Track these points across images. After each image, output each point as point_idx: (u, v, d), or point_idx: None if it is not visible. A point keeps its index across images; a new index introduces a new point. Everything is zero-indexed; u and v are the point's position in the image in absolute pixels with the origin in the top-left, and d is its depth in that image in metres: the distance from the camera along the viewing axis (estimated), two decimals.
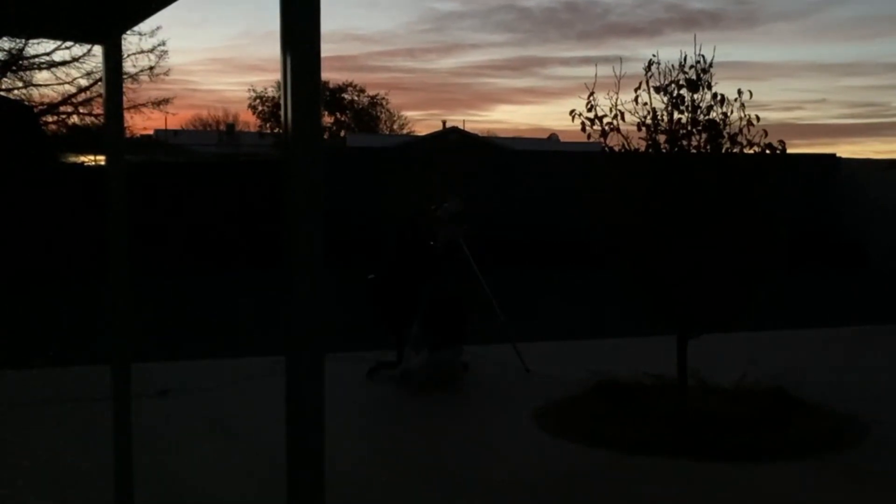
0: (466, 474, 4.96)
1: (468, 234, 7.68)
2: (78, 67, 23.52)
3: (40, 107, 23.66)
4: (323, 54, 1.47)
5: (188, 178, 16.48)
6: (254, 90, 46.52)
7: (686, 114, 5.81)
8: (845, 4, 70.68)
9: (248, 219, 15.54)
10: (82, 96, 23.99)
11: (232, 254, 15.20)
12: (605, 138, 6.01)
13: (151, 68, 24.03)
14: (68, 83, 23.70)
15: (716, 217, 5.69)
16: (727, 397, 5.92)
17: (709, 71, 5.80)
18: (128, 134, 24.47)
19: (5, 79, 22.92)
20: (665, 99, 5.85)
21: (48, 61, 23.02)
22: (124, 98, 3.69)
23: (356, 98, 47.05)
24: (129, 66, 22.76)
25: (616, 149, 6.02)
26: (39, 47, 22.49)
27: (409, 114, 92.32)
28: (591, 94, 5.97)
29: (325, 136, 40.41)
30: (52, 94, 23.92)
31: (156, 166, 19.22)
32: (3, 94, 22.26)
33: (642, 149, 5.94)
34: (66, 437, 5.52)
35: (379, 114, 48.45)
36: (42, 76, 33.12)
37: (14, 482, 4.75)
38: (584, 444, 5.42)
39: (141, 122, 60.42)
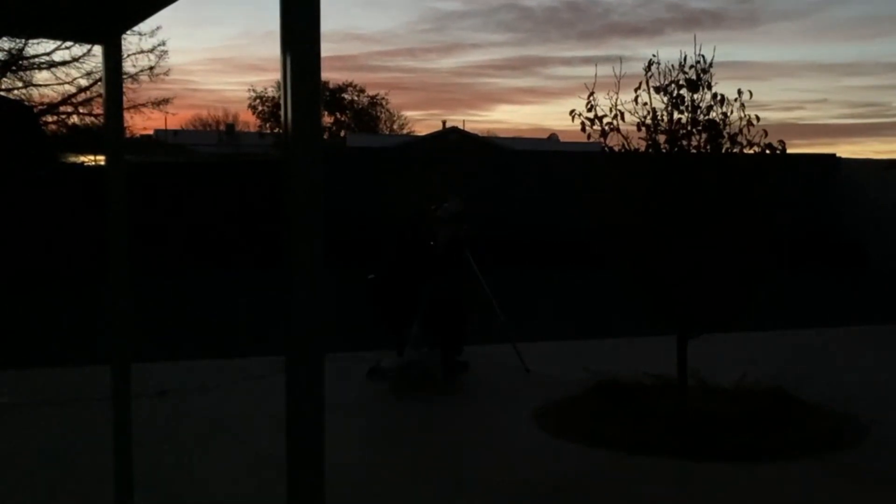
0: (466, 474, 4.96)
1: (468, 234, 7.68)
2: (78, 67, 23.57)
3: (40, 107, 23.68)
4: (323, 54, 1.46)
5: (188, 178, 16.49)
6: (254, 90, 46.62)
7: (686, 114, 5.81)
8: (846, 4, 70.76)
9: (248, 219, 15.54)
10: (82, 96, 24.04)
11: (232, 254, 15.20)
12: (605, 138, 6.02)
13: (151, 68, 24.08)
14: (68, 83, 23.74)
15: (716, 217, 5.69)
16: (727, 397, 5.92)
17: (709, 71, 5.80)
18: (128, 134, 24.50)
19: (5, 79, 22.93)
20: (665, 99, 5.85)
21: (48, 61, 23.05)
22: (124, 98, 3.69)
23: (356, 98, 47.09)
24: (129, 66, 22.81)
25: (616, 149, 6.02)
26: (39, 47, 22.52)
27: (409, 114, 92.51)
28: (591, 94, 5.98)
29: (325, 136, 40.41)
30: (52, 94, 23.96)
31: (156, 166, 19.22)
32: (3, 94, 22.25)
33: (642, 149, 5.94)
34: (66, 437, 5.52)
35: (379, 114, 48.50)
36: (42, 76, 33.19)
37: (14, 482, 4.75)
38: (584, 444, 5.42)
39: (141, 122, 60.51)
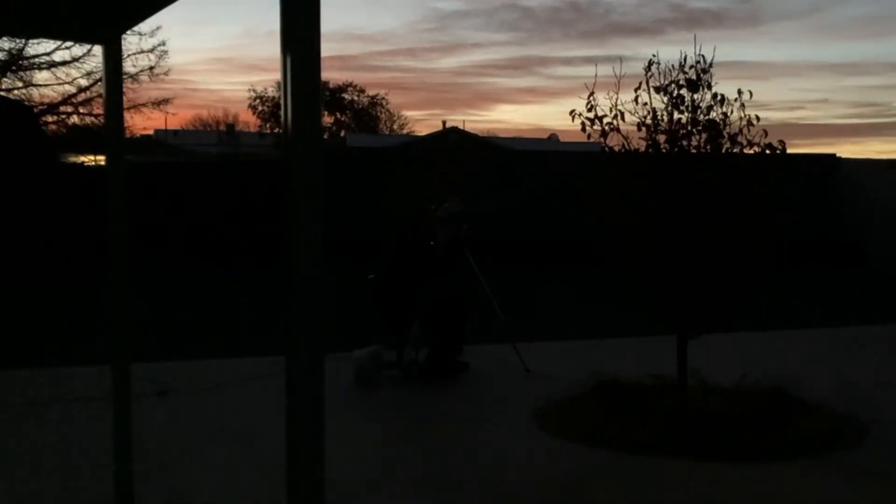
0: (466, 474, 4.96)
1: (468, 234, 7.68)
2: (78, 67, 23.56)
3: (40, 107, 23.68)
4: (324, 54, 1.47)
5: (188, 178, 16.49)
6: (254, 90, 46.56)
7: (686, 114, 5.81)
8: (848, 4, 70.82)
9: (248, 219, 15.54)
10: (82, 96, 24.04)
11: (232, 254, 15.19)
12: (605, 138, 6.02)
13: (151, 68, 24.07)
14: (68, 83, 23.74)
15: (716, 217, 5.69)
16: (727, 397, 5.92)
17: (709, 71, 5.80)
18: (128, 134, 24.49)
19: (5, 79, 22.93)
20: (665, 99, 5.85)
21: (48, 61, 23.06)
22: (124, 98, 3.69)
23: (356, 98, 47.09)
24: (129, 66, 22.80)
25: (616, 149, 6.02)
26: (39, 47, 22.52)
27: (409, 113, 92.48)
28: (591, 94, 5.98)
29: (325, 136, 40.41)
30: (52, 94, 23.97)
31: (156, 166, 19.23)
32: (3, 94, 22.26)
33: (642, 149, 5.93)
34: (67, 437, 5.52)
35: (379, 114, 48.50)
36: (42, 76, 33.12)
37: (14, 482, 4.75)
38: (584, 444, 5.42)
39: (141, 122, 60.48)
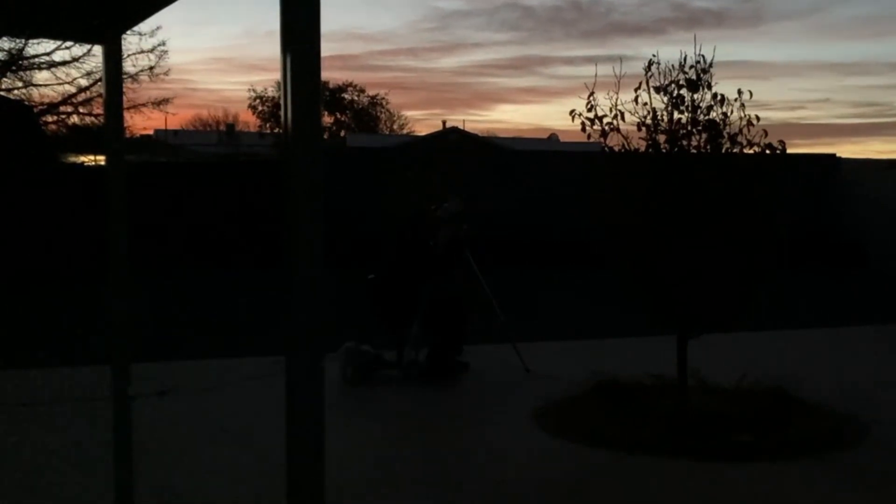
0: (466, 474, 4.96)
1: (468, 234, 7.68)
2: (78, 67, 23.54)
3: (40, 107, 23.66)
4: (325, 53, 1.47)
5: (188, 178, 16.48)
6: (254, 90, 46.55)
7: (686, 114, 5.81)
8: (849, 4, 70.85)
9: (248, 219, 15.53)
10: (82, 96, 24.01)
11: (232, 254, 15.19)
12: (605, 138, 6.01)
13: (151, 68, 24.05)
14: (68, 83, 23.72)
15: (716, 217, 5.69)
16: (727, 397, 5.92)
17: (709, 71, 5.80)
18: (128, 134, 24.44)
19: (5, 79, 22.92)
20: (665, 99, 5.85)
21: (48, 61, 23.04)
22: (124, 98, 3.69)
23: (356, 98, 47.09)
24: (129, 66, 22.77)
25: (616, 149, 6.02)
26: (39, 47, 22.50)
27: (409, 113, 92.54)
28: (592, 94, 5.97)
29: (325, 136, 40.41)
30: (52, 94, 23.94)
31: (156, 166, 19.23)
32: (3, 94, 22.25)
33: (642, 149, 5.93)
34: (66, 437, 5.52)
35: (379, 114, 48.49)
36: (42, 76, 33.13)
37: (14, 482, 4.75)
38: (584, 444, 5.42)
39: (141, 122, 60.40)
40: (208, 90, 75.94)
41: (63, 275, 12.85)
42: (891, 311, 11.09)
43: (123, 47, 2.89)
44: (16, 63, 22.78)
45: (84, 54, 23.02)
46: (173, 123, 45.91)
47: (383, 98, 48.25)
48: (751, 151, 5.76)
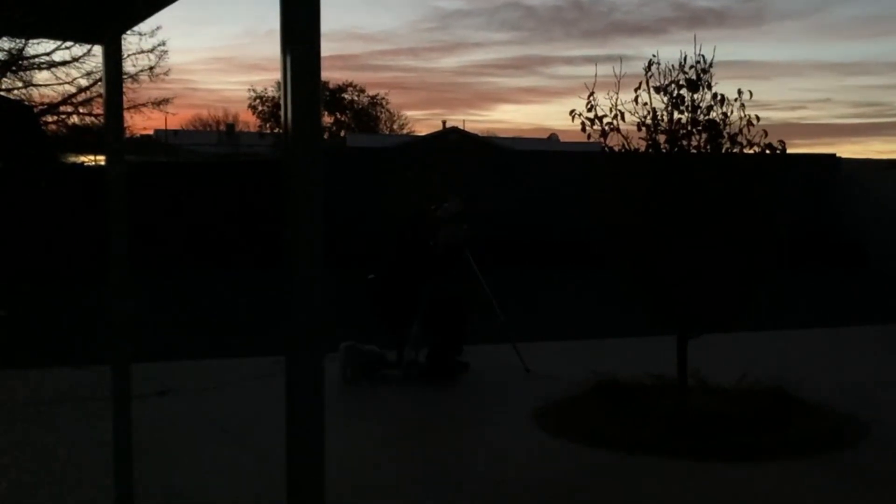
0: (466, 474, 4.96)
1: (468, 234, 7.68)
2: (78, 67, 23.51)
3: (40, 107, 23.65)
4: (325, 53, 1.47)
5: (188, 178, 16.48)
6: (254, 90, 46.54)
7: (686, 114, 5.81)
8: (850, 4, 70.85)
9: (248, 219, 15.54)
10: (82, 96, 23.98)
11: (232, 254, 15.19)
12: (605, 138, 6.01)
13: (151, 68, 24.01)
14: (68, 83, 23.69)
15: (716, 217, 5.69)
16: (727, 397, 5.92)
17: (709, 71, 5.80)
18: (128, 134, 24.45)
19: (5, 79, 22.91)
20: (665, 99, 5.85)
21: (48, 61, 23.01)
22: (124, 98, 3.69)
23: (356, 98, 47.09)
24: (129, 66, 22.74)
25: (616, 149, 6.02)
26: (39, 47, 22.48)
27: (409, 113, 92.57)
28: (592, 93, 5.97)
29: (325, 136, 40.41)
30: (52, 94, 23.92)
31: (156, 166, 19.22)
32: (3, 94, 22.25)
33: (642, 149, 5.93)
34: (67, 437, 5.52)
35: (379, 114, 48.50)
36: (42, 76, 33.10)
37: (14, 482, 4.75)
38: (584, 444, 5.42)
39: (141, 122, 60.44)
40: (208, 90, 76.04)
41: (63, 275, 12.85)
42: (891, 311, 11.08)
43: (123, 47, 2.89)
44: (16, 63, 22.77)
45: (84, 54, 23.01)
46: (173, 123, 45.92)
47: (383, 98, 48.32)
48: (751, 151, 5.76)
